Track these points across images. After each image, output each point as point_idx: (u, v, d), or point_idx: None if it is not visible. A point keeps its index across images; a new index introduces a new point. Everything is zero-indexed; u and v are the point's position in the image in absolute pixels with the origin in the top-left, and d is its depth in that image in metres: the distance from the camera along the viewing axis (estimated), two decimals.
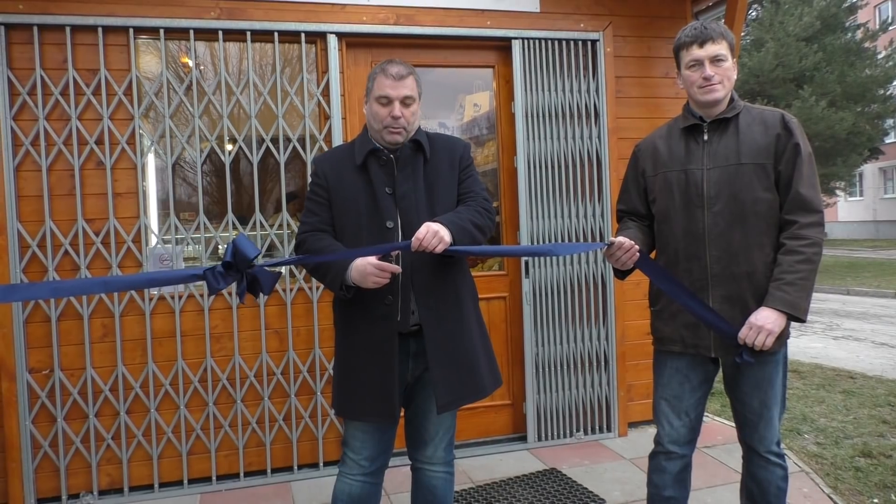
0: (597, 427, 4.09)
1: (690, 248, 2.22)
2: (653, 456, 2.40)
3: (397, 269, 2.04)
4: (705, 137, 2.23)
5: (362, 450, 2.20)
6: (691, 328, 2.24)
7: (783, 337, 2.16)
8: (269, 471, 3.60)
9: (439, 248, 1.98)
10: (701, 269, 2.20)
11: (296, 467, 3.62)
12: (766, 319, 2.06)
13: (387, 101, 2.14)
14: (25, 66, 3.29)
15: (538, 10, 3.95)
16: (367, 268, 2.01)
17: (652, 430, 4.17)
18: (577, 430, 4.06)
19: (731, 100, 2.24)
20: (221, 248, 3.60)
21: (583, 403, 4.06)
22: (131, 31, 3.41)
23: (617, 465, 3.69)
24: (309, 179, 2.36)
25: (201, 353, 3.49)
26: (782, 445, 2.35)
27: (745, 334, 2.09)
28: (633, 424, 4.18)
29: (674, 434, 2.32)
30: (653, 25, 4.17)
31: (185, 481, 3.49)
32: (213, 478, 3.52)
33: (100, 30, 3.35)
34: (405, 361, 2.19)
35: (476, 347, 2.22)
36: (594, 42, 4.03)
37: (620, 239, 2.14)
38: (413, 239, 1.98)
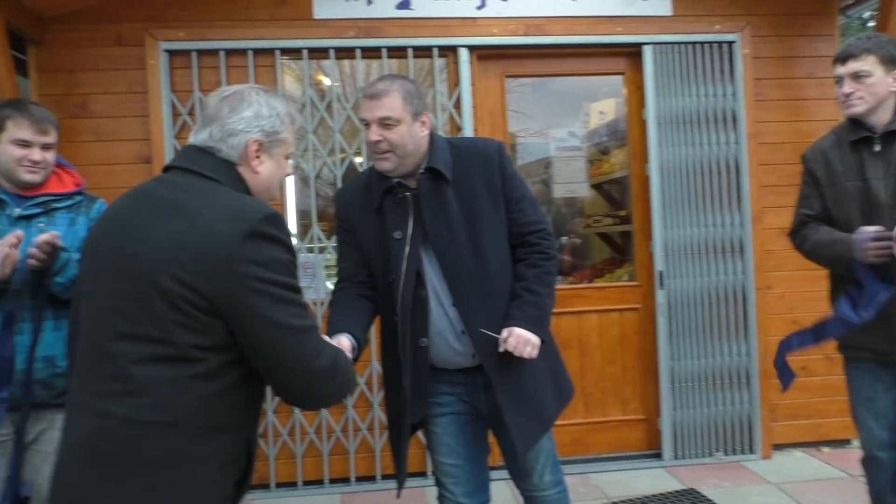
0: (738, 448, 3.87)
1: None
2: (864, 463, 2.36)
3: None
4: (877, 148, 2.20)
5: (457, 485, 2.08)
6: (890, 340, 2.17)
7: None
8: None
9: (534, 354, 1.88)
10: None
11: (430, 473, 3.66)
12: None
13: (366, 124, 1.91)
14: (185, 89, 3.58)
15: (670, 14, 3.85)
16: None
17: (800, 455, 3.91)
18: (717, 450, 3.86)
19: None
20: None
21: (722, 422, 3.86)
22: (278, 52, 3.63)
23: (762, 490, 3.47)
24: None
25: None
26: None
27: None
28: (777, 447, 3.92)
29: (874, 439, 2.26)
30: (794, 23, 3.95)
31: (326, 481, 3.62)
32: (352, 479, 3.63)
33: (250, 52, 3.59)
34: (477, 394, 2.07)
35: (540, 378, 2.05)
36: (730, 44, 3.87)
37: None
38: (500, 340, 1.88)
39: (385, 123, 1.88)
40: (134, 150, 3.50)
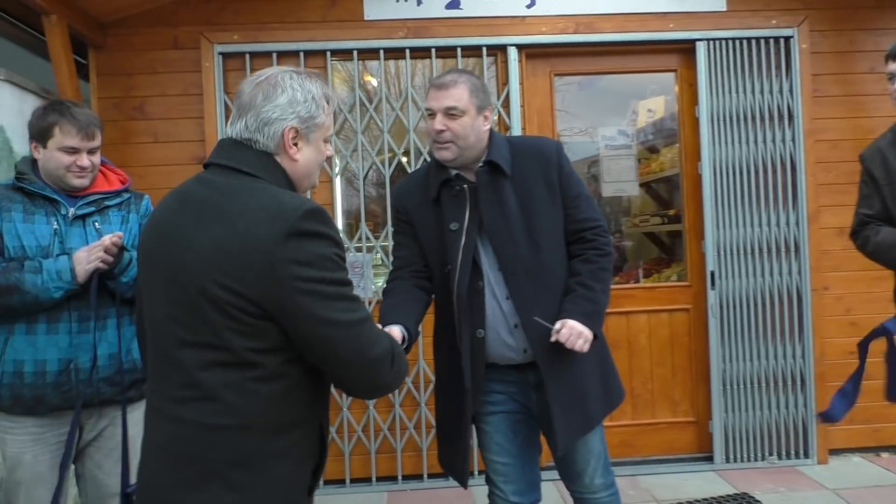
0: (792, 452, 3.78)
1: None
2: None
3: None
4: None
5: (507, 483, 2.08)
6: None
7: None
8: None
9: (586, 348, 1.88)
10: None
11: (476, 472, 3.66)
12: None
13: (431, 114, 1.95)
14: None
15: (725, 9, 3.77)
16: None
17: (857, 460, 3.80)
18: (770, 454, 3.78)
19: None
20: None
21: (776, 425, 3.78)
22: (328, 53, 3.67)
23: (818, 496, 3.39)
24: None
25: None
26: None
27: None
28: (834, 452, 3.82)
29: None
30: (855, 17, 3.83)
31: (374, 479, 3.66)
32: (399, 477, 3.66)
33: (301, 54, 3.64)
34: (528, 393, 2.07)
35: (590, 377, 2.04)
36: (787, 39, 3.77)
37: None
38: (553, 331, 1.88)
39: (450, 113, 1.92)
40: (189, 151, 3.58)
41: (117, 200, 2.19)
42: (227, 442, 1.22)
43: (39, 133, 2.05)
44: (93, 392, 2.06)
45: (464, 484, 2.10)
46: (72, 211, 2.08)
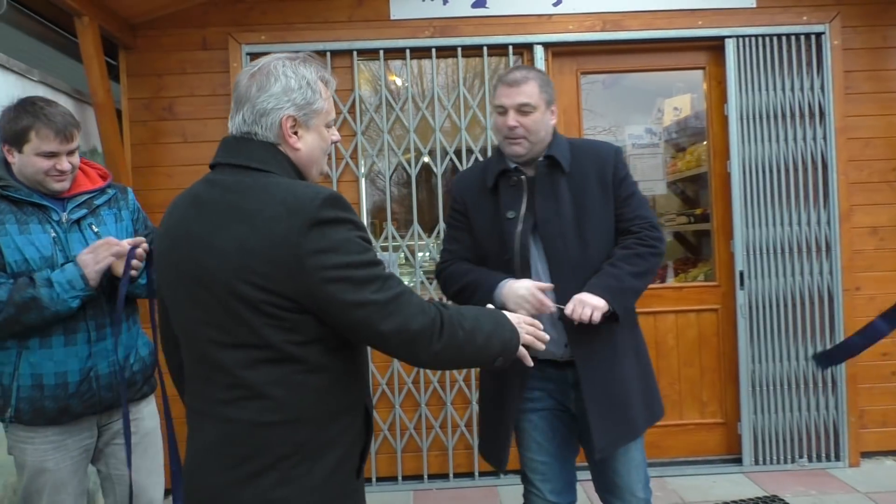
0: (822, 455, 3.73)
1: None
2: None
3: (552, 307, 1.81)
4: None
5: (545, 482, 2.07)
6: None
7: None
8: (476, 474, 3.68)
9: (595, 316, 1.85)
10: None
11: (501, 472, 3.66)
12: None
13: (503, 111, 1.99)
14: None
15: (754, 6, 3.72)
16: (520, 290, 1.88)
17: (890, 463, 3.74)
18: (800, 457, 3.73)
19: None
20: (421, 255, 3.78)
21: (806, 427, 3.73)
22: (354, 53, 3.67)
23: (850, 499, 3.34)
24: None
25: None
26: None
27: None
28: (866, 454, 3.75)
29: None
30: (888, 12, 3.76)
31: (400, 478, 3.67)
32: (425, 476, 3.67)
33: (328, 54, 3.64)
34: (567, 392, 2.07)
35: (630, 382, 2.03)
36: (819, 35, 3.71)
37: None
38: (565, 308, 1.89)
39: (522, 110, 1.96)
40: None
41: (104, 198, 2.13)
42: (280, 437, 1.23)
43: (14, 137, 1.93)
44: (114, 396, 2.06)
45: (501, 468, 2.10)
46: (65, 216, 2.01)
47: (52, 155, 1.95)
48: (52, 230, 1.99)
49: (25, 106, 1.95)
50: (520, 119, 1.96)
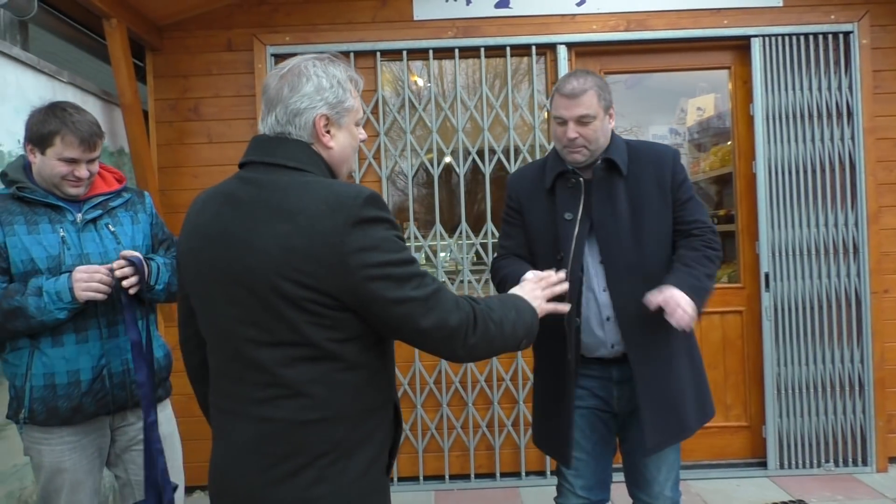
0: (849, 459, 3.68)
1: None
2: None
3: (564, 308, 1.71)
4: None
5: (577, 478, 2.09)
6: None
7: None
8: (497, 474, 3.67)
9: (688, 323, 1.79)
10: None
11: (523, 473, 3.66)
12: None
13: (562, 122, 1.98)
14: None
15: (781, 5, 3.67)
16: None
17: None
18: (826, 461, 3.68)
19: None
20: (443, 255, 3.80)
21: (832, 432, 3.68)
22: (378, 54, 3.69)
23: None
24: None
25: (436, 357, 3.66)
26: None
27: None
28: (894, 459, 3.70)
29: None
30: None
31: (421, 478, 3.67)
32: (447, 477, 3.67)
33: (352, 55, 3.65)
34: (610, 389, 2.07)
35: (683, 381, 2.03)
36: (847, 34, 3.66)
37: None
38: (651, 298, 1.84)
39: (582, 121, 1.95)
40: (242, 152, 3.57)
41: (121, 201, 2.15)
42: (318, 435, 1.25)
43: (39, 139, 1.96)
44: (126, 396, 2.07)
45: (565, 461, 2.08)
46: (80, 217, 2.03)
47: (72, 161, 1.97)
48: (62, 230, 2.00)
49: (55, 111, 1.98)
50: (579, 130, 1.96)
